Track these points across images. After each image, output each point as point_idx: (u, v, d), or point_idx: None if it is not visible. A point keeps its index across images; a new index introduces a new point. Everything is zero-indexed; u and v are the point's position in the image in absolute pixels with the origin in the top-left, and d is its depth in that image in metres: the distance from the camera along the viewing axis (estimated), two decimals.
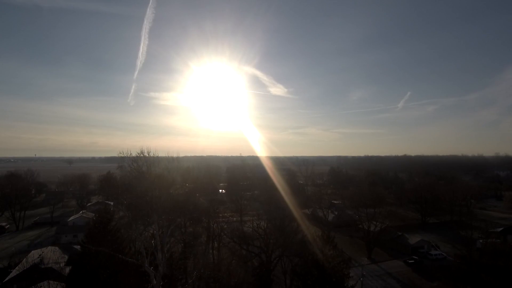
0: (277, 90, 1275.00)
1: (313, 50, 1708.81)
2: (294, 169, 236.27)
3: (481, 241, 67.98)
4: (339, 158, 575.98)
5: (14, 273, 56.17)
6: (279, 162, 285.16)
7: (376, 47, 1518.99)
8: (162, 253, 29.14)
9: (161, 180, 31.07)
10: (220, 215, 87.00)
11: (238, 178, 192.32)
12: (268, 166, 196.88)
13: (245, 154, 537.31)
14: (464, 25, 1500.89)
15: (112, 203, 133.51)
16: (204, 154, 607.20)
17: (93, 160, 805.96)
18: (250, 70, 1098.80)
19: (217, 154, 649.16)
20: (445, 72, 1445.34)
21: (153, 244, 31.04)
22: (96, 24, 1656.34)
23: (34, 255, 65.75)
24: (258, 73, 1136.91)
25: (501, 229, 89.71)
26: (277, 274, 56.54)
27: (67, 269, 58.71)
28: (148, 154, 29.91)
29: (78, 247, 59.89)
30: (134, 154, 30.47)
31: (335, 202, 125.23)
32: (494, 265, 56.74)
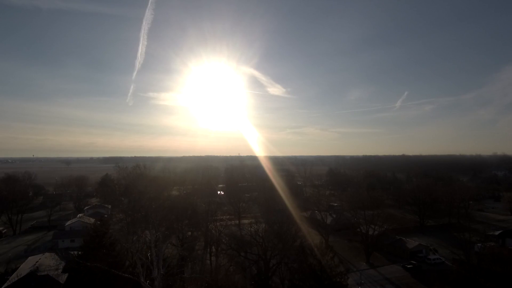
0: (276, 90, 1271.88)
1: (312, 50, 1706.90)
2: (292, 169, 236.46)
3: (479, 245, 67.72)
4: (337, 158, 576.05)
5: (10, 280, 55.62)
6: (277, 162, 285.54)
7: (374, 47, 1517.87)
8: (158, 268, 28.81)
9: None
10: (218, 217, 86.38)
11: (237, 179, 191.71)
12: (266, 166, 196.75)
13: (243, 154, 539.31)
14: (461, 25, 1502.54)
15: (109, 206, 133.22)
16: (203, 154, 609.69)
17: (91, 160, 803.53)
18: (249, 70, 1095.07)
19: (216, 154, 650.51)
20: (442, 71, 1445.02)
21: (149, 257, 30.69)
22: (95, 25, 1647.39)
23: (31, 261, 65.25)
24: (257, 73, 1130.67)
25: (499, 232, 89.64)
26: (276, 281, 56.28)
27: (64, 276, 58.45)
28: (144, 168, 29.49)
29: (75, 253, 59.41)
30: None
31: (334, 204, 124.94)
32: (492, 270, 56.66)
